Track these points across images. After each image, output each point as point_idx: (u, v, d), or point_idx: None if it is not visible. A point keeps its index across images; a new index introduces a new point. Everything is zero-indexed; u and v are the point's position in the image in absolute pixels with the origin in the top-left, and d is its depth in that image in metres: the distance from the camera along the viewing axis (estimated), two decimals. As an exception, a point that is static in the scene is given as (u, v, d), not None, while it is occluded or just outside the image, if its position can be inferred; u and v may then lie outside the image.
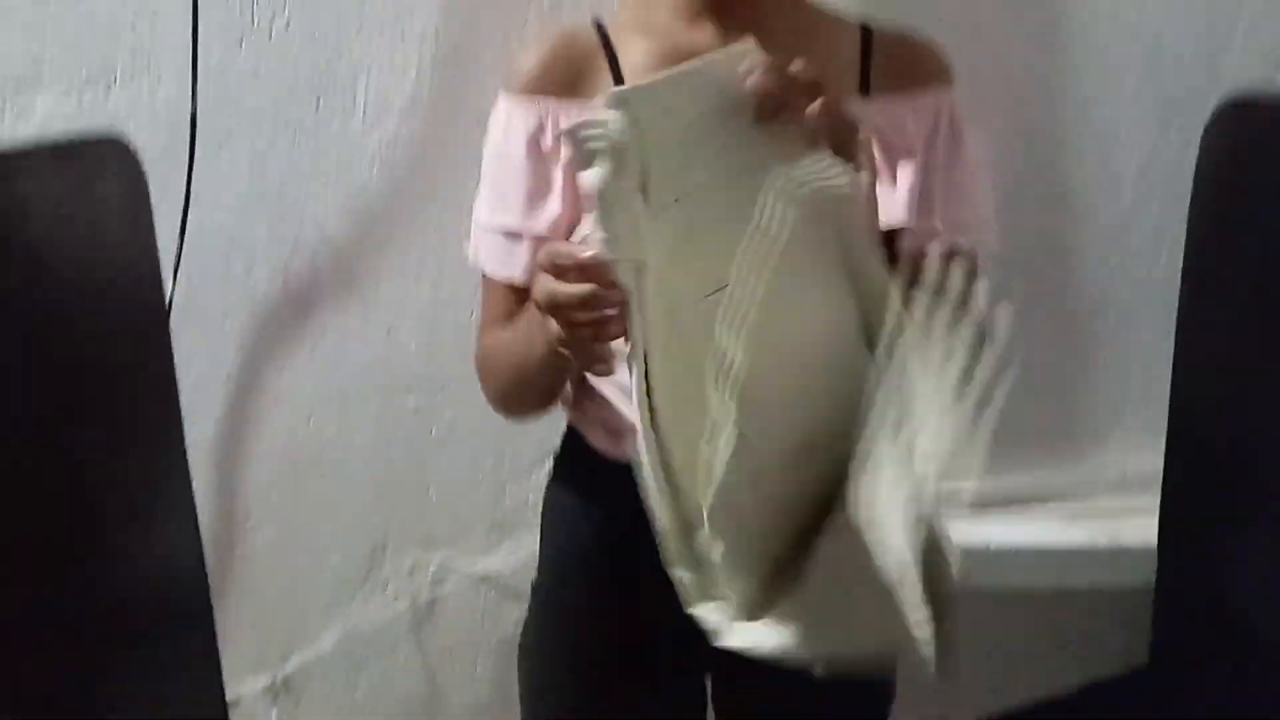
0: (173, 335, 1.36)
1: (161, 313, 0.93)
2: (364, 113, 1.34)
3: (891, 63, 0.92)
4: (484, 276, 0.99)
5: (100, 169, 0.85)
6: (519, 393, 1.00)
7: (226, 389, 1.42)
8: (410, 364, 1.43)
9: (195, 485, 1.35)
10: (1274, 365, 0.89)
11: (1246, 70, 1.37)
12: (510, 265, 0.95)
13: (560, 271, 0.69)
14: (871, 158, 0.78)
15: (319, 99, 1.33)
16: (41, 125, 1.31)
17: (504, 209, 0.94)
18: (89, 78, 1.31)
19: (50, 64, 1.30)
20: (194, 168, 1.31)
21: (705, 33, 0.90)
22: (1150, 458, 1.17)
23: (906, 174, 0.88)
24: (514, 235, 0.94)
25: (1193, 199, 0.95)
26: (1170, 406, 1.07)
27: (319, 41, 1.32)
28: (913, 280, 0.74)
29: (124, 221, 0.87)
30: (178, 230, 1.32)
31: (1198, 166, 0.94)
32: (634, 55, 0.92)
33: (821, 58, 0.87)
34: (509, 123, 0.94)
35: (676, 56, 0.87)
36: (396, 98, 1.33)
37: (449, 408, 1.44)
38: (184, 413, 1.38)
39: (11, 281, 0.77)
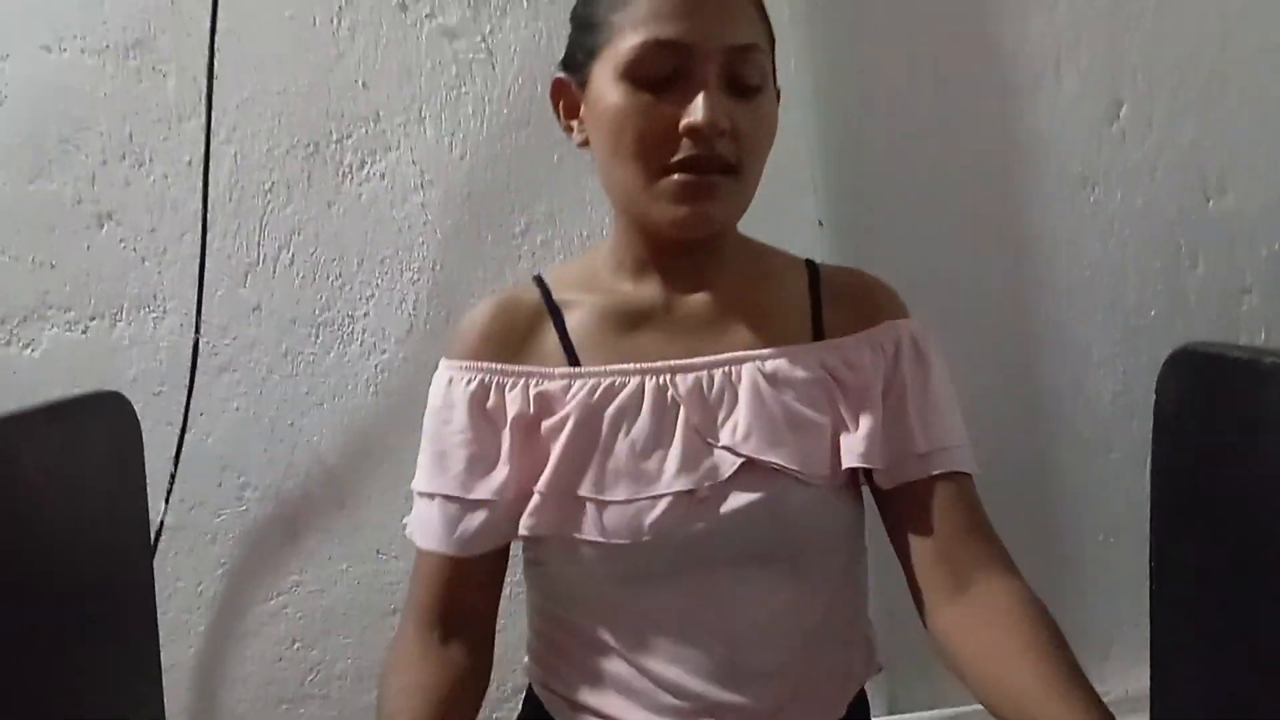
0: (162, 556, 1.37)
1: (147, 557, 0.93)
2: (361, 341, 1.38)
3: (842, 301, 0.88)
4: (419, 551, 0.87)
5: (97, 422, 0.87)
6: None
7: (212, 611, 1.40)
8: (397, 585, 1.42)
9: (175, 709, 1.33)
10: (1246, 588, 0.89)
11: (1207, 297, 1.44)
12: (446, 537, 0.84)
13: None
14: None
15: (319, 329, 1.38)
16: (44, 355, 1.35)
17: (443, 476, 0.84)
18: (95, 311, 1.35)
19: (57, 297, 1.35)
20: (193, 394, 1.35)
21: (650, 287, 0.87)
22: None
23: (869, 414, 0.83)
24: (455, 502, 0.83)
25: (1154, 435, 0.98)
26: (1151, 633, 1.06)
27: (321, 275, 1.37)
28: None
29: (117, 469, 0.88)
30: (173, 454, 1.34)
31: (1156, 406, 0.97)
32: (578, 313, 0.87)
33: (771, 302, 0.86)
34: (450, 388, 0.86)
35: (622, 313, 0.85)
36: (393, 326, 1.38)
37: (436, 630, 1.42)
38: (168, 634, 1.36)
39: (8, 528, 0.78)
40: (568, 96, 0.86)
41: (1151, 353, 1.42)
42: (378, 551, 1.41)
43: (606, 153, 0.81)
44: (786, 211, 1.34)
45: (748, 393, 0.82)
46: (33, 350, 1.36)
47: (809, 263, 0.91)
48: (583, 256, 0.96)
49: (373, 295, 1.38)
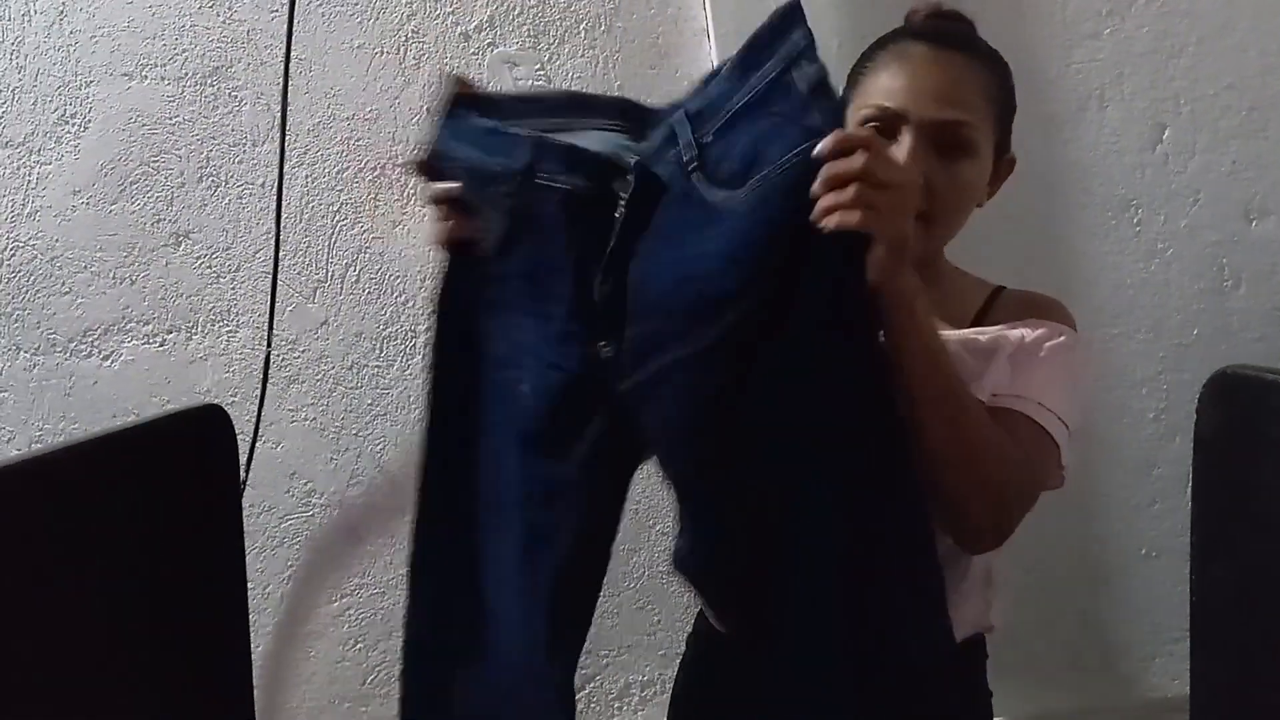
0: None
1: (241, 570, 0.98)
2: (423, 355, 1.44)
3: (1006, 311, 1.04)
4: None
5: (197, 435, 0.93)
6: None
7: (278, 612, 1.46)
8: (455, 589, 1.47)
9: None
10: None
11: (1249, 317, 1.46)
12: None
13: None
14: None
15: (383, 343, 1.44)
16: (124, 366, 1.42)
17: None
18: (172, 325, 1.42)
19: (136, 311, 1.42)
20: (264, 404, 1.41)
21: None
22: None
23: (989, 373, 0.97)
24: None
25: (1194, 456, 1.01)
26: (1190, 647, 1.09)
27: (386, 292, 1.43)
28: None
29: (216, 482, 0.93)
30: (244, 462, 1.40)
31: (1196, 427, 1.00)
32: None
33: (945, 308, 1.01)
34: None
35: None
36: (454, 341, 1.44)
37: (492, 635, 1.47)
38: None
39: (114, 547, 0.83)
40: None
41: (1194, 372, 1.44)
42: (436, 557, 1.47)
43: None
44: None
45: None
46: (112, 362, 1.43)
47: (1000, 287, 1.08)
48: None
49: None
